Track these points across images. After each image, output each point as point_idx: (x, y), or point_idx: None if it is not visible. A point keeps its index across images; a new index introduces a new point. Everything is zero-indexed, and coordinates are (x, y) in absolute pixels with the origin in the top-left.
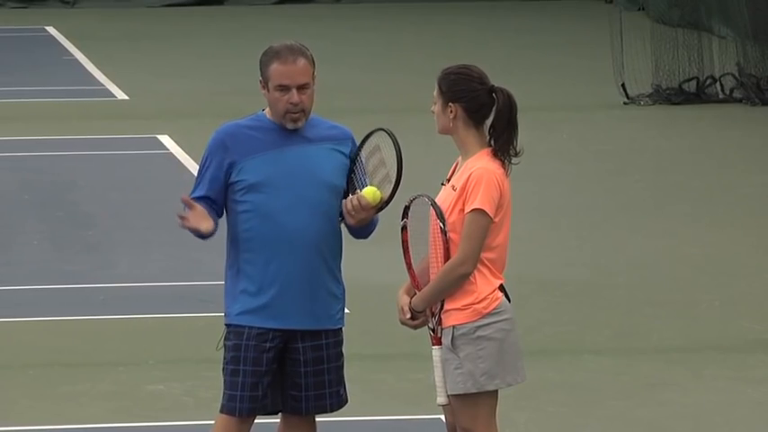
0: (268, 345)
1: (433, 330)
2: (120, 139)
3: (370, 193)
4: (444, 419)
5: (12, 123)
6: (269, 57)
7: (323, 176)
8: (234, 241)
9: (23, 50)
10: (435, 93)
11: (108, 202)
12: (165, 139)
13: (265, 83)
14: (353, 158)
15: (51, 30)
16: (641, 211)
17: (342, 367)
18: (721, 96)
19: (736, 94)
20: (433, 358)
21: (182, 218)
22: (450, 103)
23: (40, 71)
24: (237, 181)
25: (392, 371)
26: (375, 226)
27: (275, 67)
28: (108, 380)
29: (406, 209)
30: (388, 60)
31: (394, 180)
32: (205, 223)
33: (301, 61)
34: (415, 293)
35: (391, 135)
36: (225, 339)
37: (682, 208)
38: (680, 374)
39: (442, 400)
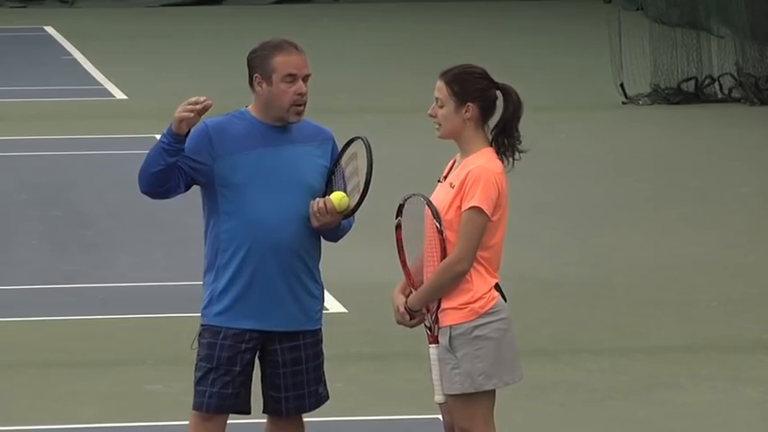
0: (244, 346)
1: (430, 329)
2: (118, 138)
3: (337, 198)
4: (442, 418)
5: (10, 123)
6: (269, 51)
7: (304, 178)
8: (213, 241)
9: (22, 50)
10: (441, 95)
11: (106, 201)
12: None
13: (266, 77)
14: (334, 162)
15: (50, 29)
16: (640, 210)
17: (321, 365)
18: (720, 96)
19: (735, 94)
20: (430, 357)
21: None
22: (467, 103)
23: (38, 71)
24: (219, 179)
25: (391, 371)
26: (345, 231)
27: (280, 59)
28: (107, 380)
29: (401, 207)
30: (387, 60)
31: (361, 190)
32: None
33: (302, 54)
34: (411, 292)
35: (367, 146)
36: (200, 337)
37: (680, 208)
38: (678, 374)
39: (439, 398)
